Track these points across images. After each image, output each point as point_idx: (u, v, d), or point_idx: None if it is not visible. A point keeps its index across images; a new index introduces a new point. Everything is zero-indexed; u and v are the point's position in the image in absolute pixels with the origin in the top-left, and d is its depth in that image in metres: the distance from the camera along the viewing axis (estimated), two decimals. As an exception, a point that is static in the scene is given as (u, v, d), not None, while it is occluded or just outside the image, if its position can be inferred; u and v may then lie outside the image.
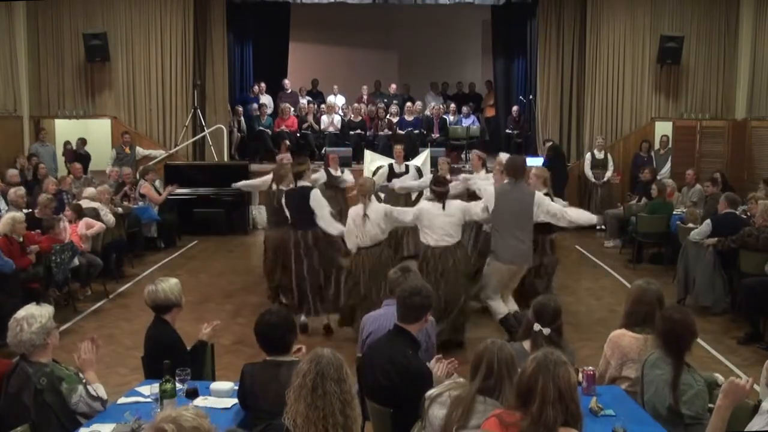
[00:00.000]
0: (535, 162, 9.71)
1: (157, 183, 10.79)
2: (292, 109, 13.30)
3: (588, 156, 11.83)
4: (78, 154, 11.48)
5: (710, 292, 7.03)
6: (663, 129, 12.16)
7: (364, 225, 6.09)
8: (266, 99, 13.71)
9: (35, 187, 9.51)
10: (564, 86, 12.75)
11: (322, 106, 13.85)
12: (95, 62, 11.90)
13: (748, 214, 7.58)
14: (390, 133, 12.87)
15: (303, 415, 2.53)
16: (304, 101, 14.09)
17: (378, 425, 3.45)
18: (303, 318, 6.46)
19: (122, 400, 3.51)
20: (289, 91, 14.16)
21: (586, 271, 9.26)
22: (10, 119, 11.41)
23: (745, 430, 2.98)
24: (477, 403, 2.80)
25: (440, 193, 6.00)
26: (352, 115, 13.40)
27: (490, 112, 14.82)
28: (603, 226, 10.93)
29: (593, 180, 11.62)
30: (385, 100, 14.18)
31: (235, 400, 3.42)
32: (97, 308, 7.48)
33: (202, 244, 10.69)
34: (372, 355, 3.61)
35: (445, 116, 13.66)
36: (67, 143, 11.81)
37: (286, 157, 8.09)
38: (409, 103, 13.52)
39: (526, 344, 3.62)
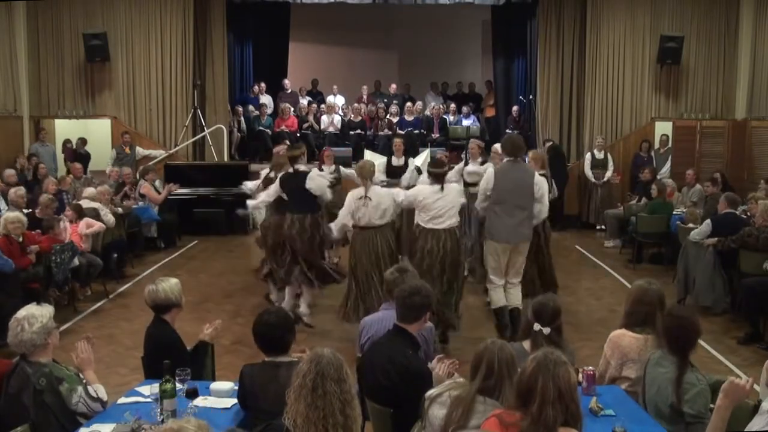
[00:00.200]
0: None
1: (157, 183, 10.79)
2: (292, 109, 13.31)
3: (588, 156, 11.83)
4: (78, 154, 11.48)
5: (710, 292, 7.03)
6: (663, 129, 12.16)
7: (366, 206, 6.05)
8: (266, 99, 13.71)
9: (35, 187, 9.51)
10: (564, 86, 12.75)
11: (322, 106, 13.86)
12: (95, 62, 11.90)
13: (748, 214, 7.58)
14: (390, 133, 12.87)
15: (303, 415, 2.53)
16: (304, 101, 14.09)
17: (378, 425, 3.45)
18: (302, 308, 6.58)
19: (122, 400, 3.51)
20: (289, 91, 14.16)
21: (586, 271, 9.26)
22: (10, 119, 11.41)
23: (745, 430, 2.98)
24: (477, 403, 2.80)
25: (438, 175, 5.98)
26: (352, 115, 13.41)
27: (490, 112, 14.81)
28: (603, 226, 10.98)
29: (593, 180, 11.62)
30: (385, 100, 14.19)
31: (235, 400, 3.42)
32: (97, 308, 7.48)
33: (202, 244, 10.69)
34: (372, 355, 3.61)
35: (445, 116, 13.68)
36: (67, 142, 11.81)
37: (282, 149, 8.06)
38: (409, 103, 13.53)
39: (526, 344, 3.62)
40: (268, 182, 7.04)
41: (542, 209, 6.05)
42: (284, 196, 6.55)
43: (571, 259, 9.73)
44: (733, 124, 12.01)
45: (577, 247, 10.45)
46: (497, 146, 7.21)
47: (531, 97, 13.43)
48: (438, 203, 5.88)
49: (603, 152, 11.68)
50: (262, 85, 13.93)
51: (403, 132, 12.75)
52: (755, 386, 3.33)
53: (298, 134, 13.02)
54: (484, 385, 2.83)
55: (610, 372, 3.73)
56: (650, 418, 3.26)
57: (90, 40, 11.66)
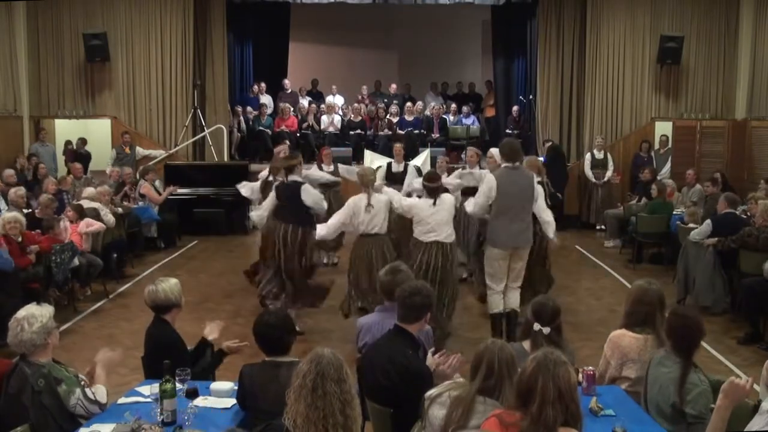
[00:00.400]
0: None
1: (157, 183, 10.79)
2: (292, 109, 13.30)
3: (588, 156, 11.84)
4: (78, 154, 11.48)
5: (710, 292, 7.03)
6: (663, 129, 12.16)
7: (368, 214, 6.07)
8: (266, 99, 13.70)
9: (35, 187, 9.51)
10: (564, 86, 12.75)
11: (322, 106, 13.86)
12: (95, 62, 11.90)
13: (748, 214, 7.58)
14: (390, 133, 12.87)
15: (303, 415, 2.53)
16: (304, 101, 14.09)
17: (378, 425, 3.45)
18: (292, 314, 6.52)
19: (122, 400, 3.51)
20: (289, 91, 14.16)
21: (586, 271, 9.26)
22: (10, 119, 11.41)
23: (745, 430, 2.98)
24: (477, 404, 2.80)
25: (432, 189, 6.01)
26: (352, 115, 13.41)
27: (490, 112, 14.81)
28: (603, 226, 10.97)
29: (593, 180, 11.63)
30: (385, 100, 14.19)
31: (235, 400, 3.42)
32: (97, 308, 7.48)
33: (202, 244, 10.69)
34: (372, 355, 3.61)
35: (445, 116, 13.67)
36: (68, 143, 11.82)
37: (284, 150, 8.04)
38: (409, 103, 13.53)
39: (526, 344, 3.62)
40: (266, 186, 7.00)
41: (549, 213, 6.07)
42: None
43: (571, 259, 9.73)
44: (733, 124, 12.01)
45: (577, 247, 10.45)
46: (494, 151, 7.20)
47: (531, 97, 13.44)
48: (432, 217, 5.94)
49: (603, 152, 11.69)
50: (262, 85, 13.93)
51: (403, 132, 12.76)
52: (755, 386, 3.33)
53: (298, 134, 13.03)
54: (484, 385, 2.83)
55: (610, 372, 3.73)
56: (650, 418, 3.26)
57: (90, 40, 11.67)
